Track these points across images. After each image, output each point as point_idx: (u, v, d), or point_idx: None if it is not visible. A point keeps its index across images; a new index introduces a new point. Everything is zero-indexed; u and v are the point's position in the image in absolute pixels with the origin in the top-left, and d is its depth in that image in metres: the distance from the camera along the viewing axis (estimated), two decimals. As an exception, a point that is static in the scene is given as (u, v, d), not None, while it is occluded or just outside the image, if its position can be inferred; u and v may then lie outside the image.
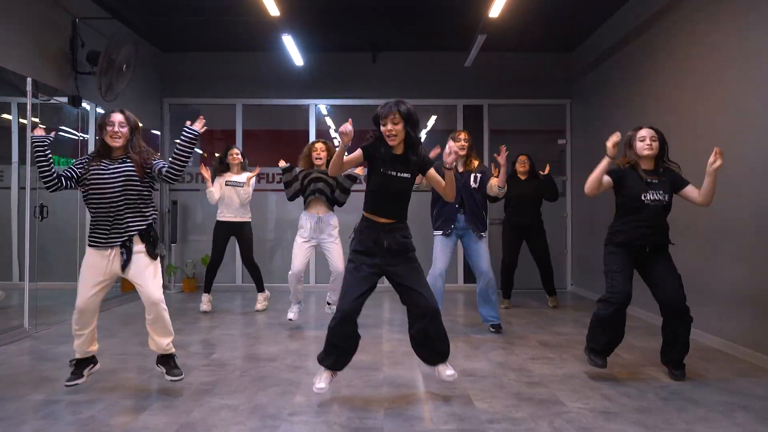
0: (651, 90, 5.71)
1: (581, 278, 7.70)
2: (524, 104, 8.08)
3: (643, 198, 3.60)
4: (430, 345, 3.24)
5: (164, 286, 7.47)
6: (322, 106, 8.19)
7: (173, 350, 3.42)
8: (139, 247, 3.26)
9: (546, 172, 6.40)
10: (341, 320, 3.10)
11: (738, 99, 4.34)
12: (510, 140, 8.33)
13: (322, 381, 3.17)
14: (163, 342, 3.35)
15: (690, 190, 3.65)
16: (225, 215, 5.92)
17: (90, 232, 3.28)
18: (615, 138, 3.51)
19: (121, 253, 3.22)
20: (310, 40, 7.29)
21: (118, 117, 3.30)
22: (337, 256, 5.11)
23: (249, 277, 6.47)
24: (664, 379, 3.65)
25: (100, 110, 6.27)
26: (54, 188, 3.26)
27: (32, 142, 3.25)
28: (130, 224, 3.25)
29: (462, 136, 4.98)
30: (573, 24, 6.93)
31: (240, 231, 5.96)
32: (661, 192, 3.61)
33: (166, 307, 3.30)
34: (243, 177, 5.95)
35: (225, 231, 5.95)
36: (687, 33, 5.04)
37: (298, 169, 5.18)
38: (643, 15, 5.76)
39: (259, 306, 6.11)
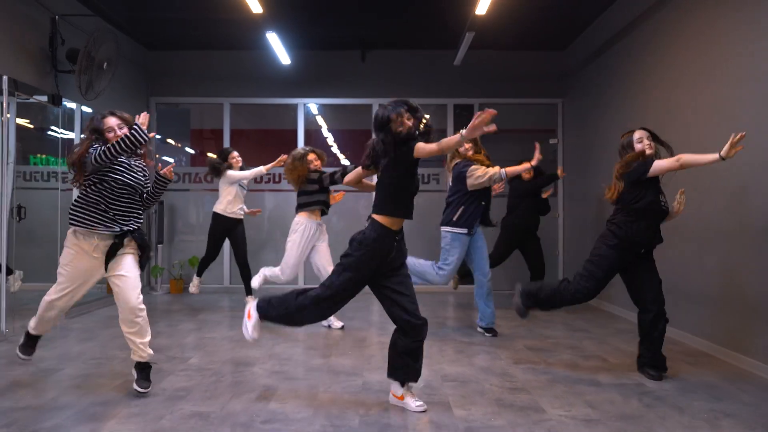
0: (644, 88, 5.63)
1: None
2: (516, 103, 8.00)
3: (661, 201, 3.65)
4: (410, 359, 3.11)
5: (151, 288, 7.49)
6: (312, 105, 8.10)
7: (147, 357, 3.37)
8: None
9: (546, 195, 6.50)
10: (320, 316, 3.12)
11: (727, 99, 4.25)
12: (501, 140, 8.34)
13: (256, 331, 3.22)
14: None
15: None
16: (227, 211, 6.01)
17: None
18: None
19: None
20: (297, 37, 7.20)
21: (113, 121, 3.29)
22: (326, 257, 5.33)
23: (237, 278, 6.40)
24: (649, 384, 3.57)
25: (85, 109, 6.19)
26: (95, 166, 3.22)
27: (138, 133, 3.16)
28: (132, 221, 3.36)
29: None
30: (565, 21, 6.86)
31: (236, 228, 6.08)
32: (664, 194, 3.70)
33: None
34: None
35: (223, 225, 6.04)
36: (680, 29, 4.95)
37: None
38: (635, 11, 5.68)
39: None
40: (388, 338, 4.77)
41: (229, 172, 5.93)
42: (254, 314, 3.21)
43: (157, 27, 7.03)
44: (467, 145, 4.83)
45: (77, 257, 3.26)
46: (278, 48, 6.68)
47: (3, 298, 4.77)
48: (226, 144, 7.87)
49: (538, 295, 3.84)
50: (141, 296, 3.30)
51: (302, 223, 5.21)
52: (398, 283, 3.07)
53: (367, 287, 3.14)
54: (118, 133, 3.24)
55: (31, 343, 3.54)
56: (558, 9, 6.42)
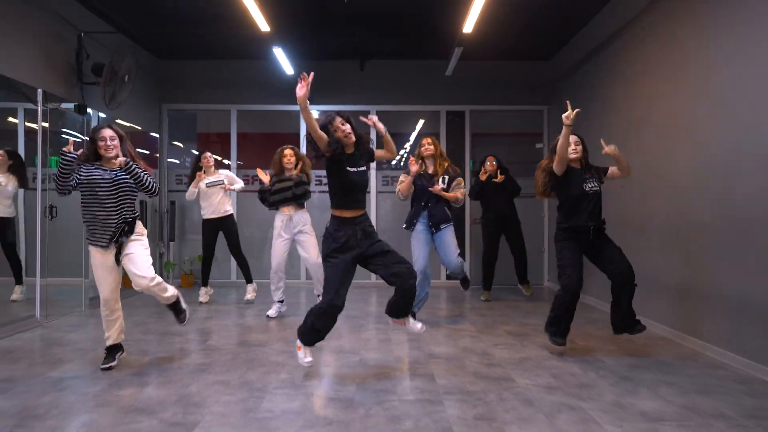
0: (624, 96, 6.08)
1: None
2: (504, 110, 8.54)
3: (584, 188, 4.21)
4: (407, 303, 3.78)
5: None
6: (313, 111, 8.60)
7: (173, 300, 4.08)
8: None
9: (500, 179, 6.77)
10: (327, 311, 3.56)
11: (697, 108, 4.70)
12: (490, 143, 8.92)
13: (309, 355, 3.66)
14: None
15: (612, 170, 4.33)
16: (208, 214, 6.38)
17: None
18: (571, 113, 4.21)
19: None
20: (300, 49, 7.74)
21: (107, 132, 3.81)
22: (309, 247, 5.68)
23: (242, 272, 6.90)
24: (608, 360, 4.11)
25: (102, 115, 6.73)
26: (65, 195, 3.81)
27: (62, 158, 3.70)
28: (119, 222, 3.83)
29: (425, 140, 5.41)
30: (549, 34, 7.36)
31: (224, 224, 6.44)
32: (595, 181, 4.24)
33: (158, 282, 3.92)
34: (221, 175, 6.40)
35: (212, 228, 6.43)
36: (657, 44, 5.40)
37: (267, 185, 5.74)
38: (616, 24, 6.14)
39: (249, 296, 6.58)
40: (384, 326, 5.36)
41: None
42: (299, 345, 3.72)
43: (170, 39, 7.56)
44: (426, 148, 5.37)
45: (96, 258, 3.85)
46: (283, 61, 7.23)
47: (38, 289, 5.31)
48: (233, 147, 8.40)
49: (553, 320, 4.28)
50: (151, 269, 3.85)
51: (275, 220, 5.77)
52: (378, 253, 3.65)
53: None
54: (109, 143, 3.76)
55: (109, 355, 3.93)
56: (542, 23, 6.92)
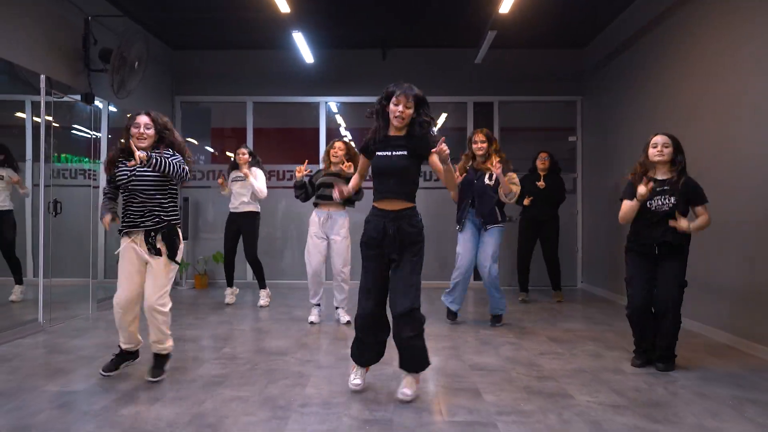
0: (664, 87, 5.67)
1: (591, 276, 7.67)
2: (535, 101, 8.06)
3: (648, 204, 3.68)
4: (403, 350, 3.19)
5: (176, 283, 7.62)
6: (332, 103, 8.21)
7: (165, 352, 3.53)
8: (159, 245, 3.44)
9: (541, 185, 6.40)
10: (360, 318, 3.21)
11: (751, 97, 4.30)
12: (521, 138, 8.44)
13: (357, 377, 3.25)
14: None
15: (699, 211, 3.71)
16: (231, 207, 6.12)
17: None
18: (645, 189, 3.61)
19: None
20: (320, 37, 7.32)
21: (143, 119, 3.38)
22: (339, 252, 5.17)
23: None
24: (673, 373, 3.64)
25: (112, 108, 6.35)
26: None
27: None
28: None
29: (478, 137, 5.06)
30: (584, 19, 6.90)
31: (245, 221, 6.04)
32: (667, 197, 3.65)
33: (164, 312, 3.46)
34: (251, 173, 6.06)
35: (232, 222, 6.10)
36: (701, 28, 5.00)
37: (315, 174, 5.25)
38: (655, 10, 5.72)
39: (263, 302, 6.15)
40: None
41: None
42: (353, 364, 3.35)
43: (183, 27, 7.18)
44: (479, 147, 5.04)
45: (124, 249, 3.46)
46: (303, 47, 6.81)
47: (41, 292, 4.94)
48: (249, 143, 8.00)
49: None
50: (162, 299, 3.41)
51: (311, 216, 5.25)
52: (394, 268, 3.13)
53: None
54: (142, 131, 3.33)
55: (117, 359, 3.61)
56: (578, 7, 6.47)
